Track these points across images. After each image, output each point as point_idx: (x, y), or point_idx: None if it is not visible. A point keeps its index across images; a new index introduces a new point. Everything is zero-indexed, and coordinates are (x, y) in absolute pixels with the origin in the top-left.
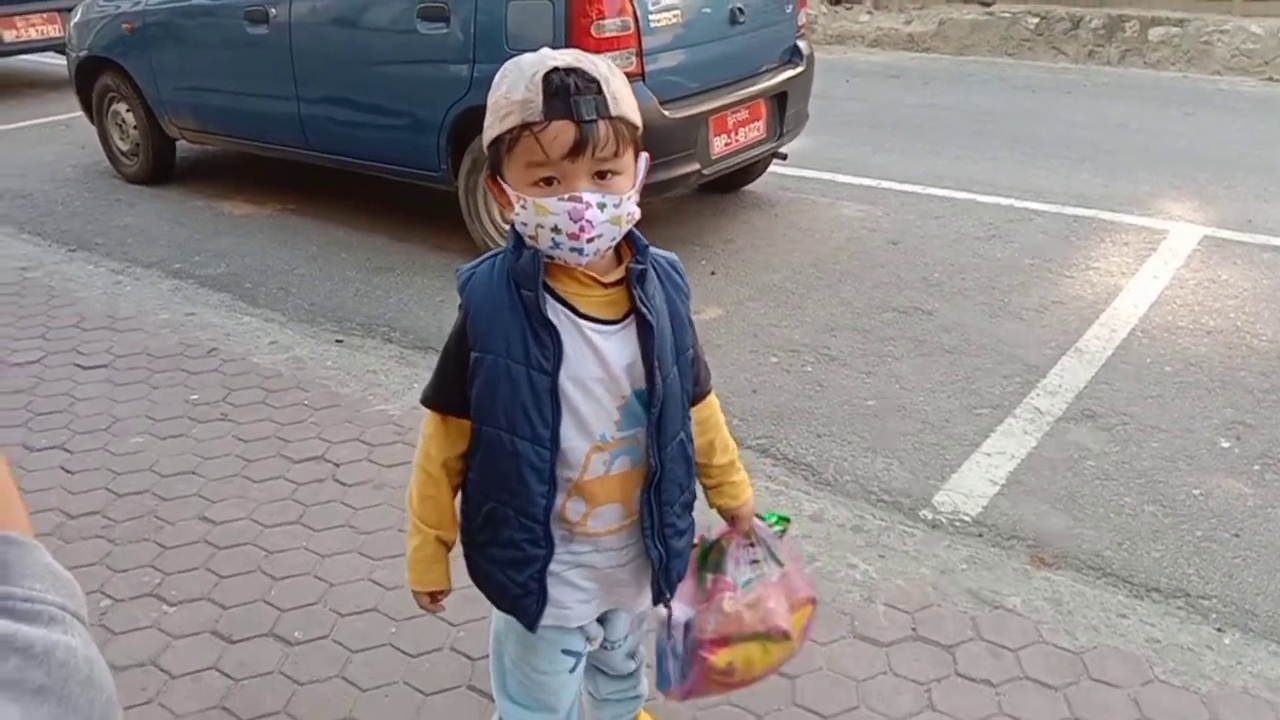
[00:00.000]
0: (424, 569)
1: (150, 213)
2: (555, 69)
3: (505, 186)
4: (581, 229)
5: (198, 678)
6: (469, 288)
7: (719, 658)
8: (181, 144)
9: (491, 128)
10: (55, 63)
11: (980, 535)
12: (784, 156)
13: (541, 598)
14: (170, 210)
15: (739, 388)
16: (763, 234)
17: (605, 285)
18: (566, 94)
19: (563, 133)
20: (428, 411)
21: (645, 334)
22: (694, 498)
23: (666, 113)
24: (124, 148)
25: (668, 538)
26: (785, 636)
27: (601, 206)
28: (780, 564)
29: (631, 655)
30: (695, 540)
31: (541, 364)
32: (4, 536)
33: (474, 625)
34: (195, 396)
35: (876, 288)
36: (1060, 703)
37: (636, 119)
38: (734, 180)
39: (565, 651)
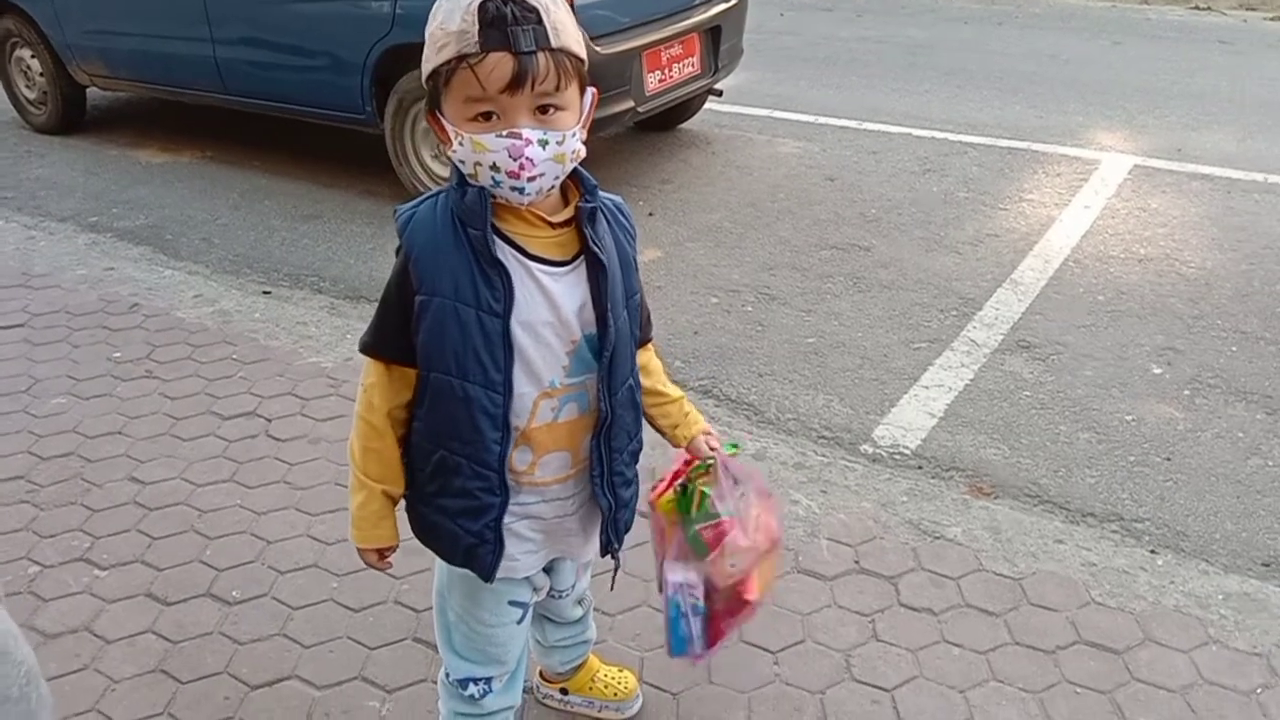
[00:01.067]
0: (370, 525)
1: (62, 164)
2: None
3: (444, 122)
4: (521, 167)
5: (133, 641)
6: (410, 229)
7: (756, 594)
8: (93, 91)
9: (428, 60)
10: None
11: (920, 467)
12: (719, 93)
13: (498, 547)
14: (83, 161)
15: (680, 329)
16: (700, 173)
17: (554, 225)
18: (504, 24)
19: (500, 65)
20: (367, 360)
21: (598, 275)
22: (641, 446)
23: (598, 48)
24: (31, 96)
25: (616, 486)
26: (778, 544)
27: (543, 144)
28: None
29: (580, 601)
30: (653, 494)
31: (492, 306)
32: None
33: (417, 578)
34: (118, 354)
35: (814, 225)
36: (1001, 628)
37: (581, 51)
38: (669, 118)
39: (512, 603)
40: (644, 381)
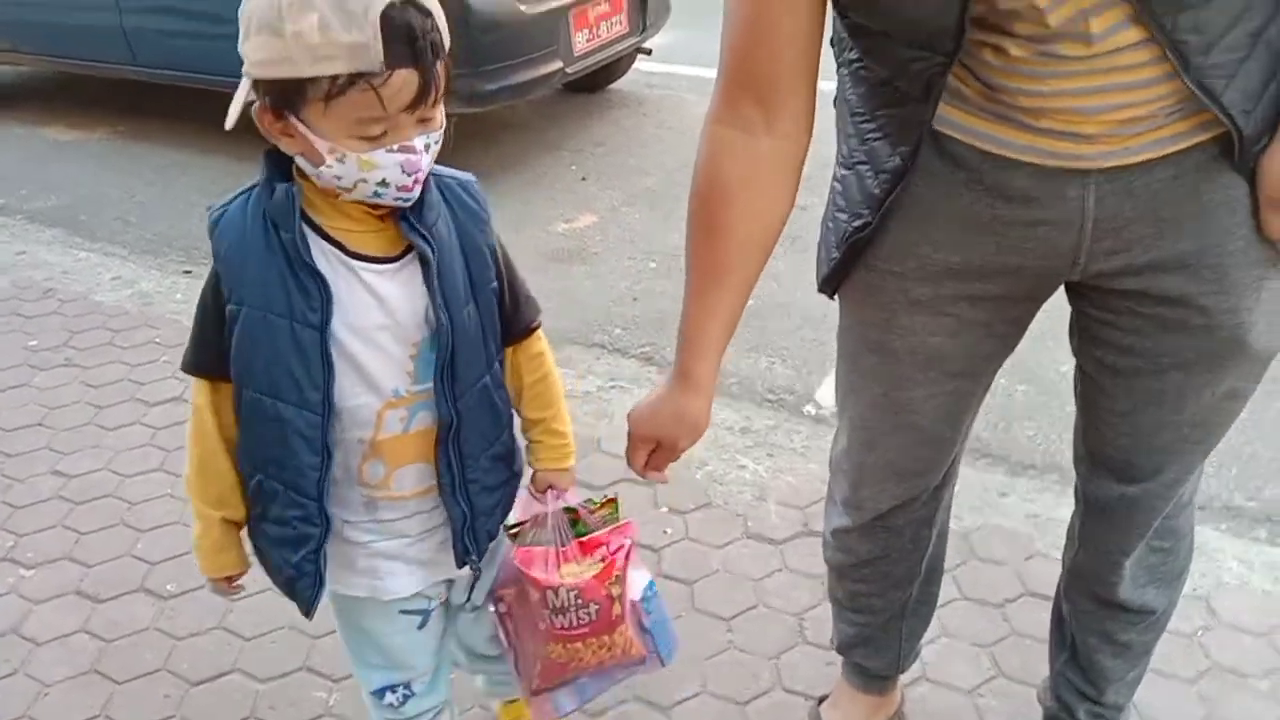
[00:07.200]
0: (214, 554)
1: None
2: (393, 4)
3: (308, 134)
4: (415, 180)
5: (65, 642)
6: (219, 230)
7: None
8: None
9: (292, 64)
10: None
11: None
12: (648, 52)
13: (317, 581)
14: None
15: (619, 296)
16: (632, 135)
17: (380, 217)
18: (412, 39)
19: (407, 84)
20: (193, 380)
21: (425, 267)
22: (507, 449)
23: (523, 8)
24: None
25: (473, 495)
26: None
27: (428, 148)
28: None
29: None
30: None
31: (306, 317)
32: None
33: None
34: (34, 342)
35: None
36: (950, 585)
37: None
38: (598, 79)
39: (404, 612)
40: (517, 380)
